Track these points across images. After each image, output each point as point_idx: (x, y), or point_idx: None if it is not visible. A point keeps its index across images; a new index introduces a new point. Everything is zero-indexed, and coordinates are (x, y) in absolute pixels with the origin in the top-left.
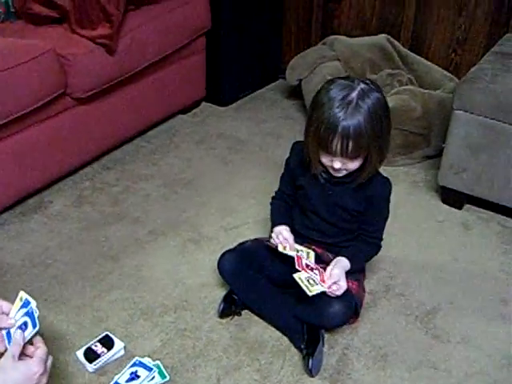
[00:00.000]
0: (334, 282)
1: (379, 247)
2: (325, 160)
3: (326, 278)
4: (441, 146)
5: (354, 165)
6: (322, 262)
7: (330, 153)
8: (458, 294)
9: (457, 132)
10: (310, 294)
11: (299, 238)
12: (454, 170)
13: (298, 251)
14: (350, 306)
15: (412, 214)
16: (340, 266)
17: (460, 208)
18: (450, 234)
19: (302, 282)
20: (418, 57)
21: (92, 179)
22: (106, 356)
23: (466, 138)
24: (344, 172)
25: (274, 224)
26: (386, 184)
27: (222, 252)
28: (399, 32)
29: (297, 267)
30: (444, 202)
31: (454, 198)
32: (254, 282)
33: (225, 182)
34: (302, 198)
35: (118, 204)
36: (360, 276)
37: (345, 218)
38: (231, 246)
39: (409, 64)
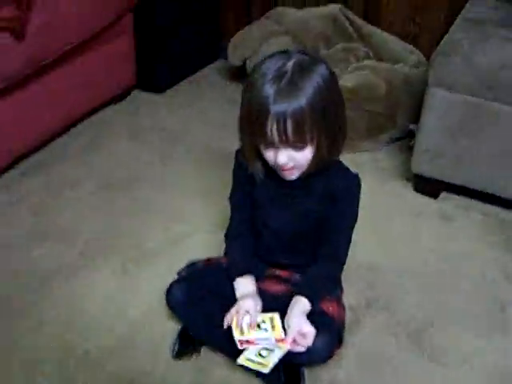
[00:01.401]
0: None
1: (342, 264)
2: (268, 155)
3: (281, 335)
4: (408, 127)
5: (302, 156)
6: (293, 284)
7: (268, 142)
8: (450, 301)
9: (433, 112)
10: (266, 371)
11: (260, 264)
12: (429, 156)
13: (259, 326)
14: (334, 336)
15: (384, 208)
16: (297, 310)
17: (436, 197)
18: (429, 229)
19: (252, 362)
20: (374, 28)
21: (8, 190)
22: None
23: (444, 119)
24: (296, 172)
25: (232, 276)
26: (353, 180)
27: (169, 284)
28: (352, 0)
29: (237, 338)
30: (418, 190)
31: (429, 187)
32: (212, 316)
33: (165, 182)
34: (258, 217)
35: (42, 219)
36: (338, 291)
37: (312, 227)
38: (180, 264)
39: (364, 36)
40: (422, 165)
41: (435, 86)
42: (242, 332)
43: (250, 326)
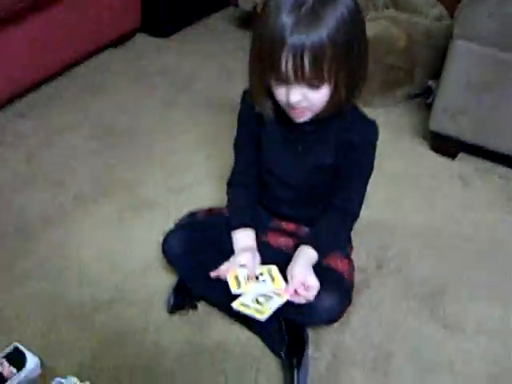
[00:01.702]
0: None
1: (355, 216)
2: (279, 93)
3: (281, 286)
4: (426, 83)
5: (317, 97)
6: (298, 237)
7: (281, 77)
8: (466, 266)
9: (455, 67)
10: (263, 318)
11: (264, 214)
12: (449, 113)
13: (257, 278)
14: (344, 296)
15: (399, 167)
16: (302, 260)
17: (454, 157)
18: (446, 191)
19: (247, 308)
20: None
21: (2, 130)
22: (16, 378)
23: (467, 74)
24: (308, 114)
25: (233, 225)
26: (371, 127)
27: (167, 231)
28: None
29: (233, 292)
30: (435, 150)
31: (447, 146)
32: (211, 269)
33: (168, 129)
34: (264, 163)
35: (35, 162)
36: (347, 248)
37: (323, 179)
38: (180, 215)
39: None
40: (441, 122)
41: (460, 37)
42: (238, 285)
43: (247, 278)
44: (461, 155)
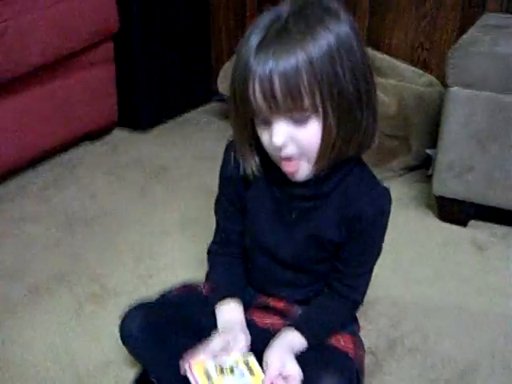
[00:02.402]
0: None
1: (357, 304)
2: (264, 138)
3: (262, 376)
4: (424, 153)
5: (306, 136)
6: (288, 318)
7: (259, 116)
8: (497, 341)
9: (455, 117)
10: None
11: (248, 289)
12: (455, 172)
13: (232, 371)
14: (349, 380)
15: (405, 238)
16: (281, 344)
17: (465, 225)
18: (460, 259)
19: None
20: (380, 53)
21: None
22: None
23: (469, 124)
24: (304, 167)
25: (215, 298)
26: (383, 195)
27: (127, 309)
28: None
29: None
30: (443, 218)
31: (455, 212)
32: (181, 356)
33: (141, 216)
34: (248, 231)
35: None
36: (354, 327)
37: (320, 256)
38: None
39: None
40: (446, 184)
41: (455, 84)
42: (209, 380)
43: (219, 370)
44: (472, 222)
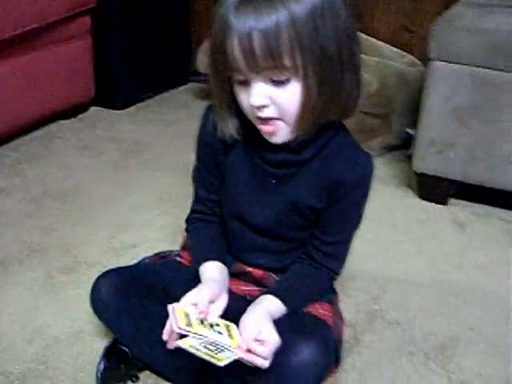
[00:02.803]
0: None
1: (334, 273)
2: (242, 98)
3: (237, 338)
4: (404, 132)
5: (285, 97)
6: (266, 286)
7: (237, 74)
8: (476, 315)
9: (437, 92)
10: (220, 364)
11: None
12: (436, 148)
13: (211, 326)
14: (329, 348)
15: (385, 216)
16: (258, 309)
17: (445, 203)
18: (441, 237)
19: (197, 351)
20: (361, 34)
21: None
22: None
23: (451, 100)
24: (283, 129)
25: (196, 262)
26: (366, 162)
27: (96, 278)
28: None
29: (178, 327)
30: (423, 196)
31: (437, 189)
32: (156, 324)
33: (118, 191)
34: (227, 199)
35: None
36: (332, 296)
37: (298, 222)
38: None
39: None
40: (427, 161)
41: (438, 59)
42: (189, 323)
43: (201, 322)
44: (453, 201)
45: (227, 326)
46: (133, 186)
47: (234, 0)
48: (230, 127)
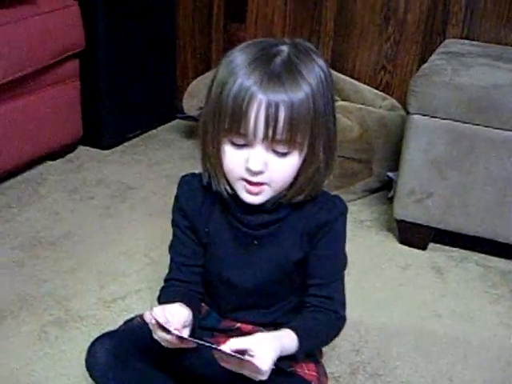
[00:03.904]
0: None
1: (339, 315)
2: (234, 159)
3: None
4: (385, 176)
5: (281, 167)
6: None
7: (244, 138)
8: (455, 365)
9: (416, 144)
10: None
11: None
12: (415, 197)
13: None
14: None
15: (365, 262)
16: (271, 333)
17: (424, 248)
18: (420, 283)
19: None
20: (343, 76)
21: None
22: None
23: (429, 152)
24: (266, 192)
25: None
26: (336, 202)
27: (94, 339)
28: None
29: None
30: (403, 242)
31: (416, 236)
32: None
33: (107, 238)
34: (208, 263)
35: None
36: (317, 355)
37: (281, 277)
38: (114, 327)
39: (333, 83)
40: (407, 209)
41: (416, 112)
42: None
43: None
44: (431, 245)
45: None
46: (122, 232)
47: (259, 73)
48: (223, 182)
